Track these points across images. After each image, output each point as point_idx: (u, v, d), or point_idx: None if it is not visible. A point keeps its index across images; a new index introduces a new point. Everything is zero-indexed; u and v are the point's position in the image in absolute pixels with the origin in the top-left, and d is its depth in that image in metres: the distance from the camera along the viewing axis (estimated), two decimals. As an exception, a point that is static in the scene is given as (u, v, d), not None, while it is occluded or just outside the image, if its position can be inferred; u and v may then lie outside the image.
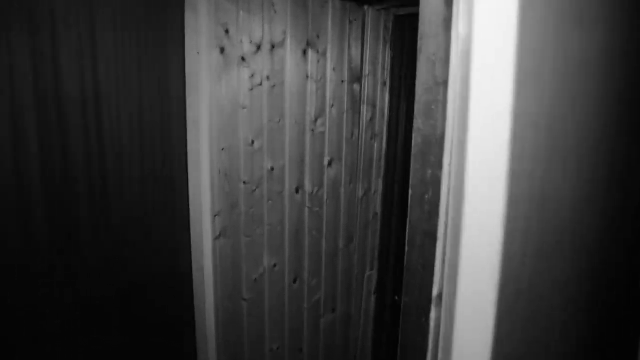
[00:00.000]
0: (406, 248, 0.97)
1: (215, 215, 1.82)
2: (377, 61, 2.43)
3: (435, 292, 0.94)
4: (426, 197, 0.90)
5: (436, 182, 0.88)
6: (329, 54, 2.15)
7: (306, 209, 2.22)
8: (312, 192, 2.23)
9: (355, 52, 2.29)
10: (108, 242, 1.54)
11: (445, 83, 0.86)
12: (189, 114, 1.70)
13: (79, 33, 1.36)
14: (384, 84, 2.51)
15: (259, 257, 2.03)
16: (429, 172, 0.89)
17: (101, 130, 1.39)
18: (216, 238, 1.84)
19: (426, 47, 0.88)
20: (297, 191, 2.15)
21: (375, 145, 2.55)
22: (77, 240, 1.45)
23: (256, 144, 1.92)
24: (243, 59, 1.81)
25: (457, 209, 0.87)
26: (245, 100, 1.85)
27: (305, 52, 2.04)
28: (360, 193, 2.51)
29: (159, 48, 1.57)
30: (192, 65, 1.68)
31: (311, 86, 2.11)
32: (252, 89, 1.87)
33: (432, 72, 0.87)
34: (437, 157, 0.88)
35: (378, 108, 2.51)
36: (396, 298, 2.81)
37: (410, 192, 0.93)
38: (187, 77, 1.67)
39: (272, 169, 2.01)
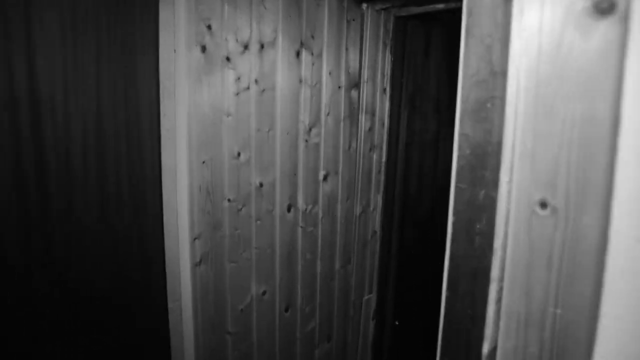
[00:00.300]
0: (445, 293, 0.73)
1: (195, 239, 1.56)
2: (377, 66, 2.22)
3: (486, 349, 0.71)
4: (477, 226, 0.67)
5: (491, 206, 0.65)
6: (324, 57, 1.93)
7: (299, 229, 1.97)
8: (306, 210, 1.99)
9: (353, 55, 2.07)
10: (57, 291, 1.28)
11: (504, 73, 0.63)
12: (164, 121, 1.45)
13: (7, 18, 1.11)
14: (384, 91, 2.29)
15: (245, 285, 1.78)
16: (481, 193, 0.66)
17: (41, 139, 1.12)
18: (196, 265, 1.58)
19: (477, 26, 0.65)
20: (288, 209, 1.90)
21: (374, 157, 2.32)
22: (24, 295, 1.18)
23: (242, 157, 1.68)
24: (228, 59, 1.58)
25: (520, 241, 0.65)
26: (230, 106, 1.61)
27: (298, 54, 1.82)
28: (358, 210, 2.28)
29: (126, 44, 1.32)
30: (167, 65, 1.44)
31: (305, 92, 1.88)
32: (238, 94, 1.63)
33: (487, 59, 0.64)
34: (492, 173, 0.65)
35: (377, 117, 2.29)
36: (396, 323, 2.57)
37: (451, 219, 0.70)
38: (161, 79, 1.43)
39: (261, 184, 1.77)
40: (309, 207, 2.00)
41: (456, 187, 0.69)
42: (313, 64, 1.89)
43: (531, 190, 0.63)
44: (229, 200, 1.66)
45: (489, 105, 0.64)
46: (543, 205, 0.62)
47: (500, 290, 0.68)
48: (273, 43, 1.71)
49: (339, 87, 2.03)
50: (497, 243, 0.66)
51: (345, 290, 2.29)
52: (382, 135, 2.34)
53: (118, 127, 1.29)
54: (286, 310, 1.97)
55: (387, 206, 2.43)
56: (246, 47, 1.63)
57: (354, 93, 2.12)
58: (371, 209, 2.37)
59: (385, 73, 2.28)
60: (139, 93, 1.34)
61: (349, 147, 2.16)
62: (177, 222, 1.51)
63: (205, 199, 1.57)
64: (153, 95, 1.38)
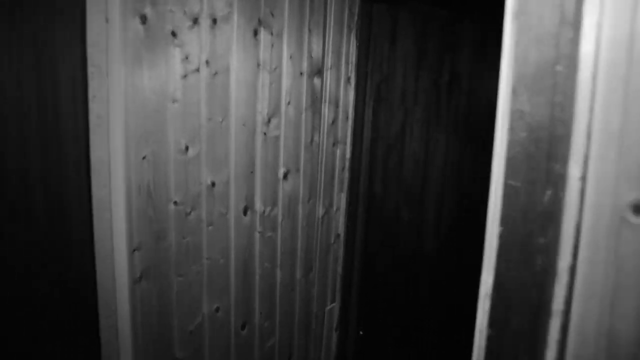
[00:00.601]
0: (485, 332, 0.53)
1: (134, 250, 1.30)
2: (341, 52, 2.02)
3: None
4: (539, 240, 0.47)
5: (557, 214, 0.46)
6: (285, 38, 1.70)
7: (257, 235, 1.74)
8: (264, 213, 1.75)
9: (317, 38, 1.86)
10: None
11: (577, 24, 0.44)
12: (93, 106, 1.17)
13: None
14: (348, 80, 2.10)
15: (196, 302, 1.52)
16: (546, 193, 0.46)
17: None
18: (135, 282, 1.31)
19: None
20: (245, 212, 1.66)
21: (338, 153, 2.12)
22: None
23: (191, 151, 1.43)
24: (174, 34, 1.32)
25: (599, 261, 0.46)
26: (176, 91, 1.35)
27: (256, 33, 1.58)
28: (320, 211, 2.07)
29: (37, 9, 1.04)
30: (97, 36, 1.16)
31: (263, 77, 1.65)
32: (185, 76, 1.37)
33: (560, 6, 0.44)
34: (561, 165, 0.46)
35: (341, 108, 2.09)
36: (360, 333, 2.38)
37: (497, 230, 0.50)
38: (89, 53, 1.15)
39: (213, 184, 1.52)
40: (268, 209, 1.77)
41: (505, 185, 0.49)
42: (272, 46, 1.65)
43: (619, 190, 0.44)
44: (175, 203, 1.40)
45: (559, 68, 0.45)
46: (637, 209, 0.44)
47: (564, 329, 0.49)
48: (227, 18, 1.47)
49: (301, 73, 1.81)
50: (563, 263, 0.47)
51: (307, 300, 2.08)
52: (346, 129, 2.15)
53: (27, 111, 1.00)
54: (242, 328, 1.73)
55: (351, 207, 2.24)
56: (196, 21, 1.37)
57: (316, 81, 1.91)
58: (334, 209, 2.17)
59: (350, 60, 2.08)
60: (58, 67, 1.05)
61: (311, 142, 1.94)
62: (111, 232, 1.24)
63: (147, 202, 1.31)
64: (78, 71, 1.10)
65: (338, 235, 2.22)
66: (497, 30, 2.55)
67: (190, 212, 1.46)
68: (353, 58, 2.09)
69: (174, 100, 1.35)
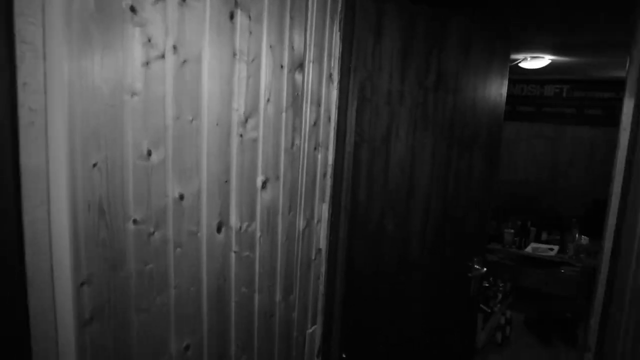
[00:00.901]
0: None
1: (83, 285, 1.01)
2: (323, 45, 1.79)
3: None
4: None
5: None
6: (264, 24, 1.46)
7: (232, 255, 1.47)
8: (241, 229, 1.49)
9: (299, 27, 1.63)
10: None
11: None
12: (25, 97, 0.88)
13: None
14: (330, 76, 1.87)
15: (161, 341, 1.25)
16: None
17: None
18: (85, 324, 1.03)
19: None
20: (219, 229, 1.40)
21: (319, 158, 1.89)
22: None
23: (155, 156, 1.16)
24: (133, 9, 1.05)
25: None
26: (135, 81, 1.08)
27: (232, 16, 1.33)
28: (301, 224, 1.83)
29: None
30: (29, 5, 0.88)
31: (240, 69, 1.39)
32: (148, 64, 1.10)
33: None
34: None
35: (323, 108, 1.86)
36: (343, 356, 2.16)
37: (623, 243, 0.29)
38: (17, 28, 0.86)
39: (182, 196, 1.25)
40: (245, 224, 1.51)
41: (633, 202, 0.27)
42: (251, 33, 1.40)
43: None
44: (134, 221, 1.12)
45: None
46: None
47: None
48: (198, -5, 1.21)
49: (282, 66, 1.57)
50: None
51: (287, 325, 1.83)
52: (328, 131, 1.92)
53: None
54: (216, 365, 1.46)
55: (334, 218, 2.01)
56: (160, -5, 1.11)
57: (297, 76, 1.67)
58: (315, 221, 1.93)
59: (333, 54, 1.86)
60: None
61: (292, 145, 1.70)
62: (50, 263, 0.95)
63: (98, 222, 1.03)
64: (2, 50, 0.81)
65: (319, 250, 1.98)
66: (481, 28, 2.41)
67: (154, 232, 1.18)
68: (336, 52, 1.87)
69: (133, 93, 1.08)
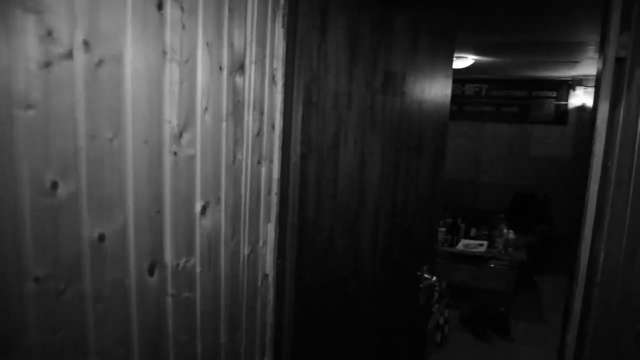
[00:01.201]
0: None
1: (-42, 382, 0.71)
2: (265, 43, 1.56)
3: None
4: None
5: None
6: (200, 17, 1.20)
7: (169, 300, 1.20)
8: (178, 266, 1.22)
9: (238, 22, 1.38)
10: None
11: None
12: None
13: None
14: (273, 79, 1.64)
15: None
16: None
17: None
18: None
19: None
20: (151, 271, 1.12)
21: (263, 172, 1.66)
22: None
23: (62, 190, 0.86)
24: (21, -9, 0.76)
25: None
26: (31, 90, 0.79)
27: (160, 5, 1.06)
28: (246, 250, 1.58)
29: None
30: None
31: (172, 71, 1.12)
32: (48, 66, 0.81)
33: None
34: None
35: (266, 116, 1.62)
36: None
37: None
38: None
39: (101, 237, 0.96)
40: (183, 260, 1.24)
41: None
42: (183, 27, 1.14)
43: None
44: (36, 279, 0.83)
45: None
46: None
47: None
48: (116, -24, 0.93)
49: (220, 68, 1.32)
50: None
51: (233, 367, 1.58)
52: (272, 141, 1.69)
53: None
54: None
55: (281, 238, 1.78)
56: (61, -26, 0.82)
57: (238, 79, 1.42)
58: (261, 244, 1.70)
59: (276, 54, 1.63)
60: None
61: (234, 160, 1.45)
62: None
63: (-20, 290, 0.73)
64: None
65: (266, 276, 1.75)
66: (428, 26, 2.29)
67: (65, 289, 0.89)
68: (280, 51, 1.64)
69: (29, 106, 0.79)
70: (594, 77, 5.89)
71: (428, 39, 2.21)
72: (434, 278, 2.39)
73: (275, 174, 1.71)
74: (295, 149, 1.76)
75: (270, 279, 1.76)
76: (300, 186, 1.81)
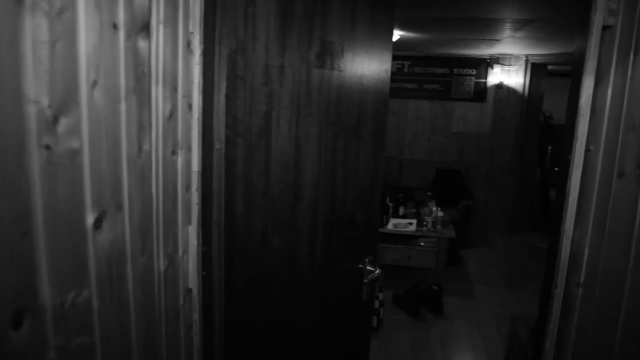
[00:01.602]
0: None
1: None
2: (175, -3, 1.20)
3: None
4: None
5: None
6: (76, -52, 0.83)
7: (51, 355, 0.85)
8: (63, 305, 0.88)
9: (136, -37, 1.01)
10: None
11: None
12: None
13: None
14: (189, 46, 1.29)
15: None
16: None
17: None
18: None
19: None
20: (16, 323, 0.77)
21: (180, 164, 1.32)
22: None
23: None
24: None
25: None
26: None
27: None
28: (161, 265, 1.25)
29: None
30: None
31: (36, 26, 0.76)
32: None
33: None
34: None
35: (181, 93, 1.28)
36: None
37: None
38: None
39: None
40: (70, 295, 0.89)
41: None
42: (50, -39, 0.77)
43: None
44: None
45: None
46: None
47: None
48: None
49: (115, 26, 0.96)
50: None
51: (151, 411, 1.26)
52: (189, 125, 1.35)
53: None
54: None
55: (206, 243, 1.47)
56: None
57: (142, 44, 1.07)
58: (181, 253, 1.37)
59: (192, 14, 1.28)
60: None
61: (139, 152, 1.10)
62: None
63: None
64: None
65: (189, 291, 1.43)
66: None
67: None
68: (196, 11, 1.29)
69: None
70: (510, 56, 5.95)
71: (367, 6, 1.94)
72: (378, 271, 2.19)
73: (195, 166, 1.38)
74: (219, 133, 1.44)
75: (195, 293, 1.44)
76: (226, 178, 1.50)
